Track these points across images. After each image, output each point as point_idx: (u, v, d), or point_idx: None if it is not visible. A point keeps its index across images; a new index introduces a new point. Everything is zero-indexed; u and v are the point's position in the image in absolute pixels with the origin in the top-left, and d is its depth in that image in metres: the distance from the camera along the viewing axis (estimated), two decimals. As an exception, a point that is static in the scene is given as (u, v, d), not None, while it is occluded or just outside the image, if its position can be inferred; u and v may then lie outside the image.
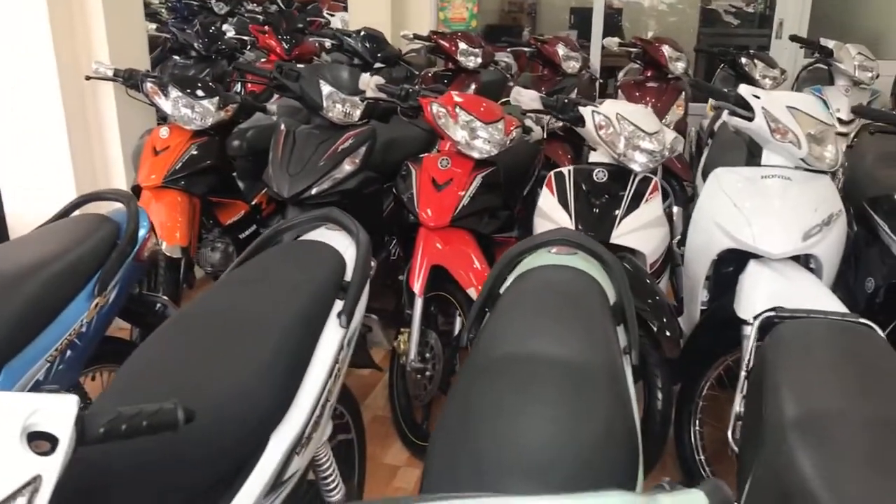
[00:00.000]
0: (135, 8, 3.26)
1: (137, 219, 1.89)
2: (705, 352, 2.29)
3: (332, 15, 7.32)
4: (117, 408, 0.86)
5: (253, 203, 3.38)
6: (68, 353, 1.66)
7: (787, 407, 1.17)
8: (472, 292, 2.36)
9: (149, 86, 2.95)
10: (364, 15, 6.10)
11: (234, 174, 3.26)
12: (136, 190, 2.99)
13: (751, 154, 2.32)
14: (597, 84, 5.67)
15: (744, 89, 2.23)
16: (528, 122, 2.81)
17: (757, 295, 2.07)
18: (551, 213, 2.43)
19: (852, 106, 2.19)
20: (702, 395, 2.28)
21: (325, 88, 2.79)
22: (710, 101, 4.25)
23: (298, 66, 2.96)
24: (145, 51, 3.37)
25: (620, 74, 5.66)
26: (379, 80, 2.73)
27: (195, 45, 5.04)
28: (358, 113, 2.83)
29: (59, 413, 0.80)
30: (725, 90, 2.30)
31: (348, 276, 1.62)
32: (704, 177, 3.00)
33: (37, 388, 1.58)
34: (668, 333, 2.18)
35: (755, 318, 2.00)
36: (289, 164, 2.75)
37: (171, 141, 2.96)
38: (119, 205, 2.01)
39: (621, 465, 1.08)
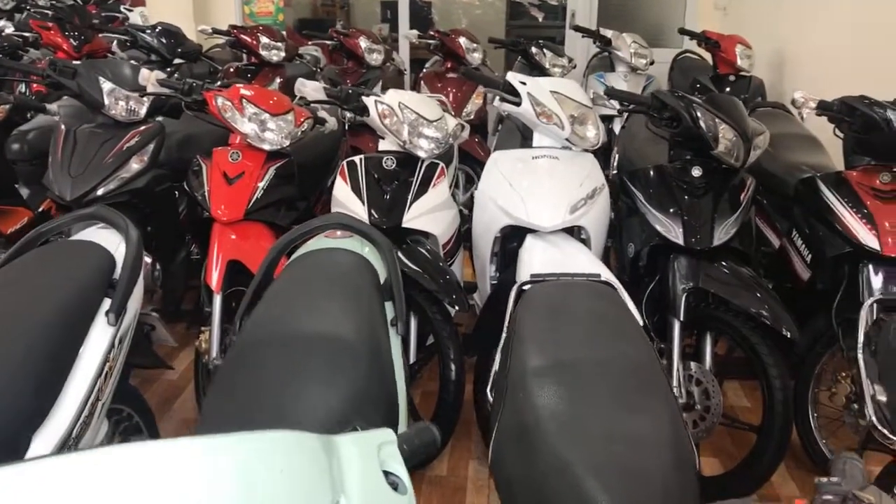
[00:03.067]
0: None
1: None
2: (496, 323, 2.43)
3: (130, 10, 6.96)
4: None
5: (40, 210, 3.19)
6: None
7: (528, 357, 1.30)
8: (270, 284, 2.37)
9: None
10: (163, 10, 5.89)
11: (15, 180, 3.06)
12: None
13: (524, 137, 2.50)
14: (406, 77, 5.80)
15: (510, 76, 2.39)
16: (322, 114, 2.85)
17: (533, 265, 2.24)
18: (346, 201, 2.48)
19: (605, 89, 2.42)
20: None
21: (106, 85, 2.68)
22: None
23: (75, 62, 2.82)
24: None
25: (428, 65, 5.83)
26: (160, 74, 2.66)
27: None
28: (144, 109, 2.75)
29: None
30: (495, 78, 2.46)
31: (117, 273, 1.60)
32: (495, 159, 3.18)
33: None
34: (457, 308, 2.31)
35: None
36: (70, 166, 2.62)
37: (-68, 146, 2.74)
38: None
39: (376, 424, 1.16)
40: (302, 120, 2.61)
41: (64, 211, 3.03)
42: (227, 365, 1.27)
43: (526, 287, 1.68)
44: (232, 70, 4.66)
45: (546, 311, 1.46)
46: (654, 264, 2.46)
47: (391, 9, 8.86)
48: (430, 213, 2.47)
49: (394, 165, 2.50)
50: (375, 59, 4.66)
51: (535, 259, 2.25)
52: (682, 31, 4.70)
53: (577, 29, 4.83)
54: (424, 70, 5.12)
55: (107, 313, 1.50)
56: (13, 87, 4.19)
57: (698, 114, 2.26)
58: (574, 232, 2.42)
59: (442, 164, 2.56)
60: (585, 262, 2.17)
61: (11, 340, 1.28)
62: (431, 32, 4.73)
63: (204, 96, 2.53)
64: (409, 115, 2.46)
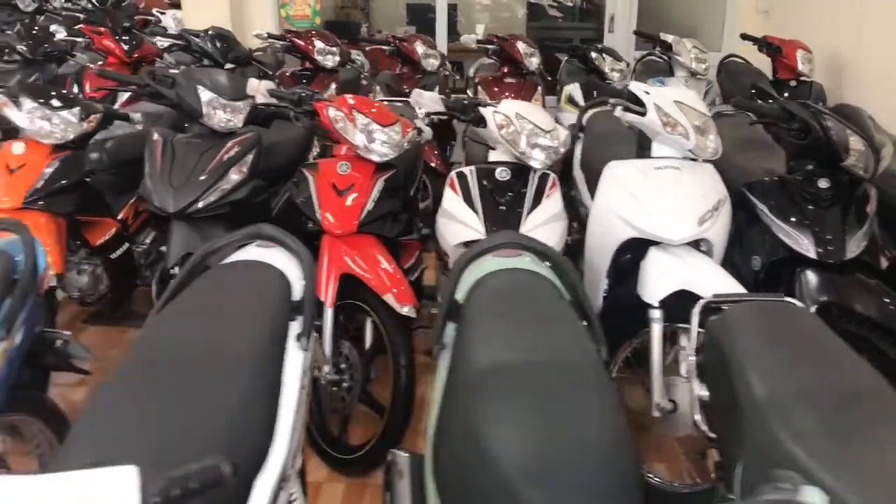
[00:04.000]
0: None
1: (35, 248, 1.69)
2: (612, 336, 2.39)
3: (162, 13, 6.88)
4: (165, 474, 0.77)
5: (118, 218, 3.14)
6: (-21, 407, 1.46)
7: (758, 389, 1.26)
8: (390, 299, 2.33)
9: (-3, 97, 2.65)
10: (200, 13, 5.80)
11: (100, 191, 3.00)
12: (-11, 214, 2.69)
13: (641, 147, 2.45)
14: (451, 80, 5.76)
15: (634, 86, 2.36)
16: (418, 123, 2.81)
17: (661, 279, 2.21)
18: (458, 213, 2.44)
19: (733, 100, 2.39)
20: (612, 378, 2.40)
21: (205, 94, 2.63)
22: (565, 94, 4.46)
23: (172, 71, 2.77)
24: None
25: (471, 70, 5.79)
26: (269, 84, 2.62)
27: (18, 47, 4.58)
28: (241, 119, 2.70)
29: (122, 488, 0.71)
30: (618, 88, 2.42)
31: (294, 294, 1.55)
32: (583, 168, 3.15)
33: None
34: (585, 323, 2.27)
35: (661, 301, 2.15)
36: (170, 177, 2.57)
37: (27, 157, 2.68)
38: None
39: (627, 454, 1.12)
40: (407, 131, 2.57)
41: (154, 220, 2.99)
42: (456, 398, 1.24)
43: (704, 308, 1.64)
44: (287, 75, 4.61)
45: (757, 335, 1.42)
46: (771, 278, 2.43)
47: (415, 11, 8.83)
48: (544, 225, 2.43)
49: (508, 176, 2.46)
50: (431, 64, 4.61)
51: (663, 273, 2.21)
52: (745, 37, 4.68)
53: (638, 34, 4.80)
54: (477, 74, 5.07)
55: (298, 338, 1.45)
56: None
57: (829, 124, 2.23)
58: (693, 244, 2.38)
59: (553, 175, 2.52)
60: (720, 278, 2.14)
61: (229, 376, 1.23)
62: (488, 37, 4.69)
63: (314, 107, 2.48)
64: (526, 126, 2.42)
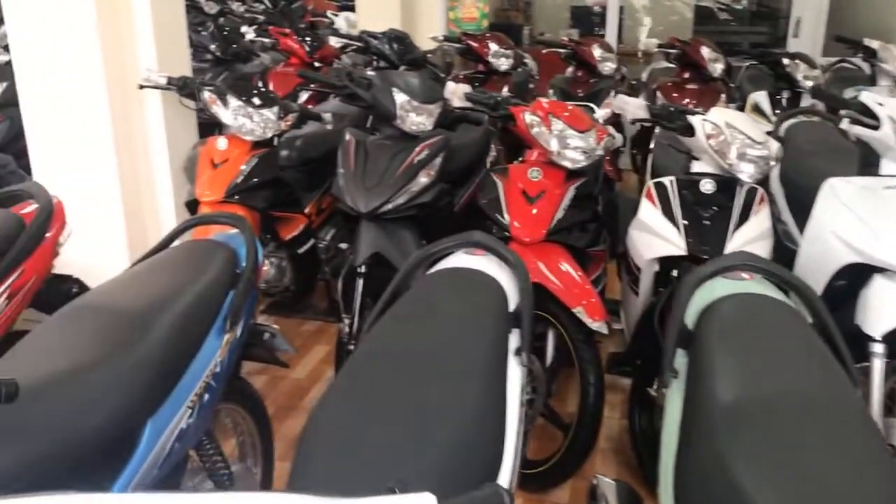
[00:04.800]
0: (179, 12, 3.08)
1: (256, 243, 1.74)
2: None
3: (335, 15, 7.13)
4: (450, 501, 0.73)
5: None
6: (206, 396, 1.51)
7: None
8: (580, 312, 2.25)
9: (207, 94, 2.78)
10: (373, 15, 5.95)
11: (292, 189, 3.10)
12: (193, 205, 2.83)
13: (865, 163, 2.24)
14: (627, 84, 5.59)
15: (867, 97, 2.15)
16: (610, 128, 2.71)
17: (889, 311, 2.00)
18: (656, 226, 2.32)
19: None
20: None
21: (399, 97, 2.65)
22: (750, 102, 4.20)
23: (369, 73, 2.81)
24: (188, 57, 3.19)
25: (644, 75, 5.60)
26: (466, 88, 2.60)
27: (211, 47, 4.85)
28: (431, 122, 2.70)
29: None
30: (847, 98, 2.22)
31: (509, 305, 1.50)
32: (784, 184, 2.93)
33: (182, 437, 1.43)
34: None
35: (885, 334, 1.95)
36: (363, 177, 2.61)
37: (230, 153, 2.80)
38: (220, 228, 1.86)
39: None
40: (603, 137, 2.47)
41: (342, 218, 3.05)
42: (711, 432, 1.13)
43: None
44: (461, 77, 4.62)
45: None
46: None
47: (579, 13, 8.69)
48: (753, 243, 2.26)
49: (713, 189, 2.31)
50: (608, 67, 4.47)
51: (888, 304, 2.00)
52: (965, 42, 4.24)
53: (839, 39, 4.46)
54: (653, 79, 4.89)
55: (518, 352, 1.40)
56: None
57: None
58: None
59: (762, 189, 2.35)
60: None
61: (454, 391, 1.18)
62: (669, 40, 4.51)
63: (511, 111, 2.44)
64: (737, 136, 2.26)
